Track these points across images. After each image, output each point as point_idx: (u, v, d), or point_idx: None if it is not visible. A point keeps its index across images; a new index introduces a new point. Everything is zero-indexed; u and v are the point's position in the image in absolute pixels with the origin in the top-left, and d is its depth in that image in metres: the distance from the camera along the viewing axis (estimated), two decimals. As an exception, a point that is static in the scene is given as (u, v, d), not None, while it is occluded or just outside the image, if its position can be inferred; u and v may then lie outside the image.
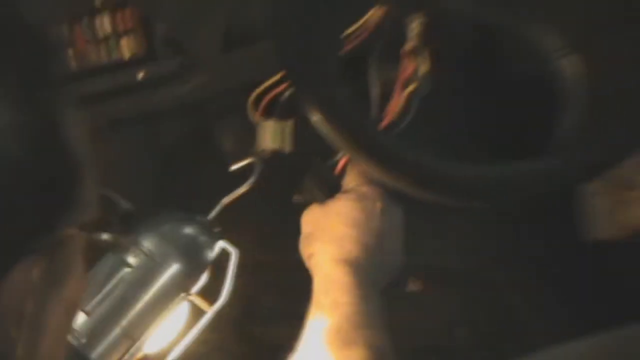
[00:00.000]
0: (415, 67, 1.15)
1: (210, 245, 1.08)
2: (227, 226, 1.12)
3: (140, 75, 1.12)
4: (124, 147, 1.38)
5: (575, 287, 1.62)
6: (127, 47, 1.19)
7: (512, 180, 1.09)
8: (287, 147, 1.17)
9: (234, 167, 1.15)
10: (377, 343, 1.08)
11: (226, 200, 1.10)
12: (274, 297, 1.72)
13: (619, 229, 1.58)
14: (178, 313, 1.10)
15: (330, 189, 1.17)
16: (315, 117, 1.02)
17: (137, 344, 1.08)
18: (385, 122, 1.14)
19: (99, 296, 1.04)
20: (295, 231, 1.53)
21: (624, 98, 1.12)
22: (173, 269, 1.06)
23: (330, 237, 1.14)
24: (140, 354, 1.09)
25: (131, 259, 1.05)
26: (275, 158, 1.19)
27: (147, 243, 1.05)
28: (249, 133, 1.22)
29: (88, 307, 1.04)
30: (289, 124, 1.17)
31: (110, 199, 1.03)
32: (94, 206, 0.72)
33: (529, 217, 1.56)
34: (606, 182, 1.51)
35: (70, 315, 0.77)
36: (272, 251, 1.60)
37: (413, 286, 1.60)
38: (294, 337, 1.69)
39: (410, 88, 1.15)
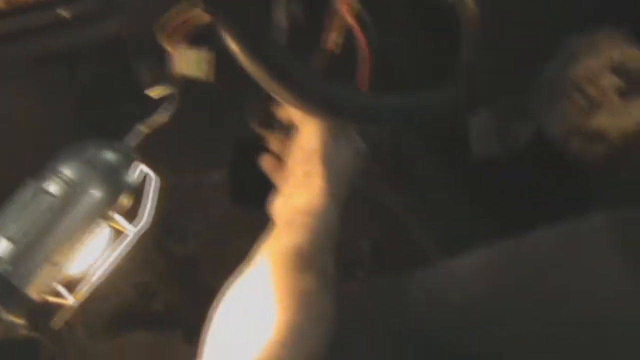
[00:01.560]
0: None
1: (129, 171, 1.04)
2: (145, 152, 1.08)
3: (64, 13, 1.06)
4: (44, 84, 1.34)
5: (465, 203, 1.63)
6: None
7: (418, 108, 1.09)
8: (205, 76, 1.15)
9: (150, 92, 1.13)
10: (326, 270, 1.07)
11: (143, 127, 1.06)
12: (190, 217, 1.72)
13: (502, 146, 1.58)
14: (101, 236, 1.08)
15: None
16: (233, 46, 0.98)
17: (62, 268, 1.06)
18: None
19: (22, 224, 1.00)
20: (208, 158, 1.52)
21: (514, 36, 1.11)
22: (94, 194, 1.04)
23: (333, 167, 1.13)
24: (65, 277, 1.07)
25: (52, 187, 1.01)
26: (193, 87, 1.16)
27: (67, 170, 1.02)
28: (166, 67, 1.18)
29: (11, 235, 1.00)
30: (206, 53, 1.14)
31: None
32: None
33: (421, 138, 1.57)
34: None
35: None
36: (187, 175, 1.59)
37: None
38: (210, 254, 1.70)
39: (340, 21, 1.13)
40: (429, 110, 1.09)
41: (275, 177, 1.21)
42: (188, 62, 1.15)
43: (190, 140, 1.53)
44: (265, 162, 1.22)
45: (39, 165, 1.07)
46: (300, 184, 1.12)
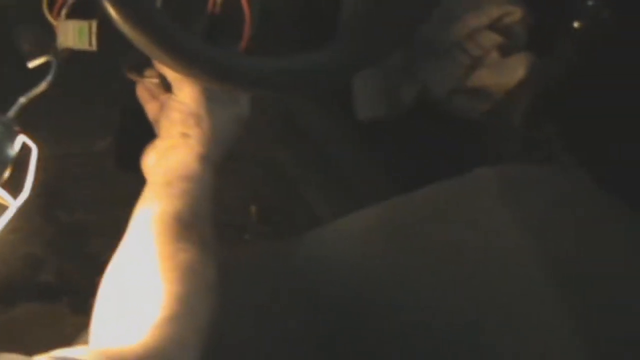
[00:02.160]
0: None
1: (11, 142, 0.99)
2: (27, 123, 1.03)
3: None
4: None
5: (349, 164, 1.62)
6: None
7: (302, 72, 1.06)
8: (89, 46, 1.09)
9: (32, 64, 1.07)
10: (207, 238, 1.03)
11: (24, 98, 1.01)
12: (76, 186, 1.67)
13: (388, 107, 1.57)
14: None
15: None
16: (112, 13, 0.94)
17: None
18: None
19: None
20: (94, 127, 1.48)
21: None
22: None
23: (208, 131, 1.08)
24: None
25: None
26: (74, 57, 1.11)
27: None
28: (48, 36, 1.12)
29: None
30: (90, 24, 1.09)
31: None
32: None
33: (308, 98, 1.55)
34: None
35: None
36: (73, 144, 1.54)
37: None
38: (97, 222, 1.66)
39: None
40: (316, 72, 1.06)
41: (148, 108, 1.16)
42: (72, 33, 1.10)
43: (76, 109, 1.47)
44: (140, 90, 1.17)
45: None
46: (176, 144, 1.08)
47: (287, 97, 1.54)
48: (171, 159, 1.07)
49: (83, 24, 1.09)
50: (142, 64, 1.13)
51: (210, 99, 1.09)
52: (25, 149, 1.04)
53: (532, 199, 1.18)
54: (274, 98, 1.51)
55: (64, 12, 1.10)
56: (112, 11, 0.95)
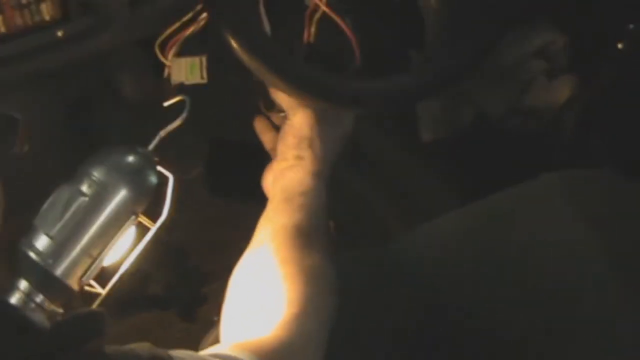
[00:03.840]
0: None
1: (152, 172, 1.07)
2: (164, 156, 1.11)
3: (60, 34, 1.07)
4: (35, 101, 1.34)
5: (415, 182, 1.65)
6: (46, 11, 1.14)
7: (391, 92, 1.12)
8: (203, 79, 1.16)
9: (167, 103, 1.13)
10: (325, 245, 1.07)
11: (163, 132, 1.08)
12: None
13: (449, 129, 1.62)
14: (128, 231, 1.10)
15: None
16: (234, 44, 1.01)
17: (97, 261, 1.07)
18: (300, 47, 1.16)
19: (60, 222, 1.03)
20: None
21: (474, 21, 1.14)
22: (121, 194, 1.05)
23: (321, 152, 1.13)
24: (98, 268, 1.08)
25: (84, 188, 1.03)
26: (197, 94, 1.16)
27: (97, 173, 1.04)
28: (149, 79, 1.21)
29: (51, 232, 1.01)
30: (201, 59, 1.16)
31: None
32: None
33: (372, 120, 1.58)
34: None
35: None
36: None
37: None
38: (196, 241, 1.71)
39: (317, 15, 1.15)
40: (407, 94, 1.12)
41: (264, 139, 1.21)
42: (184, 69, 1.16)
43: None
44: (258, 123, 1.22)
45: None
46: (292, 165, 1.13)
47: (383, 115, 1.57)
48: (288, 178, 1.12)
49: (195, 60, 1.16)
50: (269, 99, 1.18)
51: (319, 122, 1.13)
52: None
53: (594, 198, 1.19)
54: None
55: (173, 51, 1.15)
56: (232, 42, 1.02)
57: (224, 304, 1.03)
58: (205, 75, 1.16)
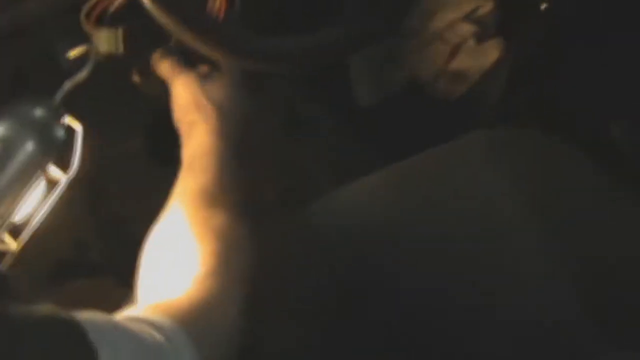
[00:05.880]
0: None
1: (58, 124, 0.98)
2: (71, 107, 1.05)
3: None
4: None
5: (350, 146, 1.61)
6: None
7: (315, 48, 1.07)
8: (119, 50, 1.11)
9: (72, 53, 1.09)
10: (237, 205, 1.01)
11: (67, 84, 1.00)
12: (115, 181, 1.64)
13: (382, 93, 1.57)
14: (37, 186, 1.03)
15: None
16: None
17: (4, 218, 1.00)
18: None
19: None
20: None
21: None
22: (27, 148, 0.97)
23: (211, 108, 1.07)
24: (8, 225, 1.02)
25: (-12, 145, 0.94)
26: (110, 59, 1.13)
27: (2, 129, 0.95)
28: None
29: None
30: (119, 31, 1.11)
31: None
32: None
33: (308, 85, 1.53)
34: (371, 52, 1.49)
35: None
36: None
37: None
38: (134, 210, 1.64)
39: None
40: (319, 49, 1.06)
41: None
42: (106, 40, 1.11)
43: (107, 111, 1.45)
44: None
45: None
46: (188, 133, 1.07)
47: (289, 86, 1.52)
48: (189, 145, 1.06)
49: (112, 32, 1.11)
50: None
51: (202, 83, 1.08)
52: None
53: (516, 155, 1.17)
54: (276, 87, 1.49)
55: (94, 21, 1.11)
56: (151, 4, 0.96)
57: (139, 268, 0.98)
58: (121, 47, 1.11)
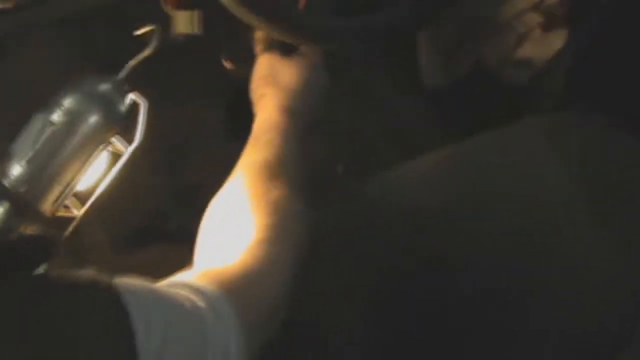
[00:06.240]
0: None
1: (122, 99, 1.05)
2: (136, 83, 1.09)
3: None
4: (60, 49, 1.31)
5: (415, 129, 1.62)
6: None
7: (370, 29, 1.10)
8: (197, 31, 1.16)
9: (138, 32, 1.11)
10: (297, 181, 1.03)
11: (132, 62, 1.05)
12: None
13: (449, 76, 1.58)
14: (101, 157, 1.08)
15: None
16: None
17: (69, 187, 1.05)
18: None
19: (32, 151, 1.02)
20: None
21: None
22: (91, 121, 1.02)
23: (282, 85, 1.11)
24: (71, 194, 1.07)
25: (55, 117, 1.01)
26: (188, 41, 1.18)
27: (67, 102, 1.02)
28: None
29: (24, 160, 0.99)
30: (196, 13, 1.15)
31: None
32: None
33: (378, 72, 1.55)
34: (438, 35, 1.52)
35: None
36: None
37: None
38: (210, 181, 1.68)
39: None
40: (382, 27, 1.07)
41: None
42: (183, 21, 1.16)
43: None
44: None
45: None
46: (259, 106, 1.11)
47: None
48: (258, 118, 1.09)
49: (190, 14, 1.15)
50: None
51: (280, 60, 1.12)
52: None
53: (574, 141, 1.16)
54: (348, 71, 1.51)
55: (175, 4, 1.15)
56: None
57: (198, 235, 1.01)
58: (198, 28, 1.16)
